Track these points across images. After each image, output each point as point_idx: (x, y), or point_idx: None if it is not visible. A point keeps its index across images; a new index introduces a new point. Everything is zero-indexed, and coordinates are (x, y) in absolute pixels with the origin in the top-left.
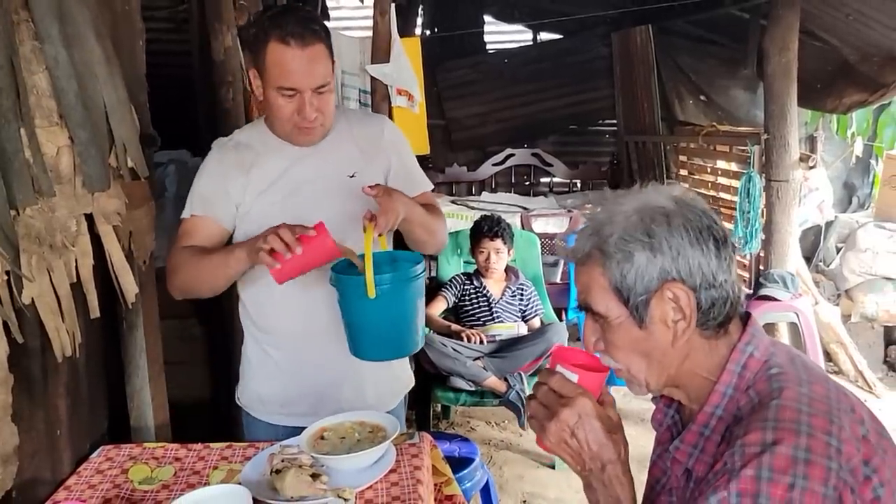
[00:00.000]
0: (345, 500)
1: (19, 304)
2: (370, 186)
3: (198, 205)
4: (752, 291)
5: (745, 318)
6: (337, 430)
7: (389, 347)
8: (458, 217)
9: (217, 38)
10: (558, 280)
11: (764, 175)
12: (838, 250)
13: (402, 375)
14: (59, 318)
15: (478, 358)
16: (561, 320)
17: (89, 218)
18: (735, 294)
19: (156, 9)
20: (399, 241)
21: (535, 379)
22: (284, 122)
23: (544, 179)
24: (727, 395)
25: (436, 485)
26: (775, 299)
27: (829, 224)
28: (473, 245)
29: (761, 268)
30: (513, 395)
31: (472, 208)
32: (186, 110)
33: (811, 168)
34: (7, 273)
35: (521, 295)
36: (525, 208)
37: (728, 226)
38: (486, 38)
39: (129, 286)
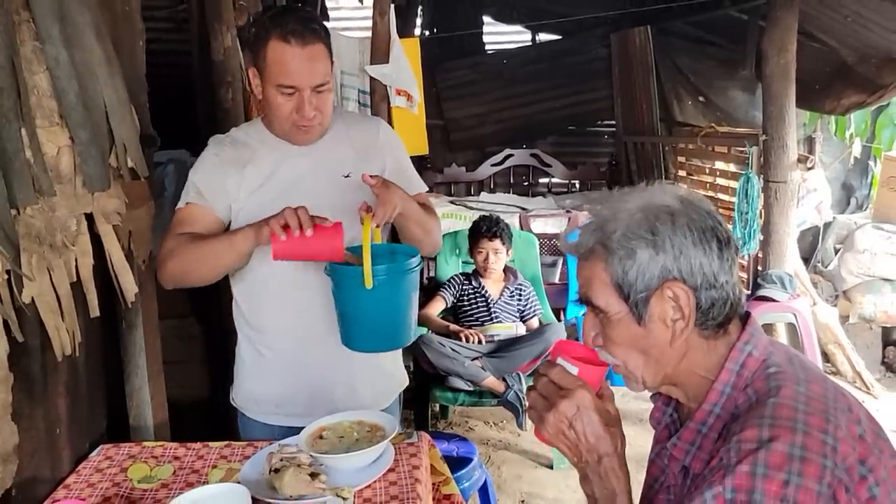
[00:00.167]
0: (343, 499)
1: (19, 302)
2: (371, 176)
3: (194, 194)
4: (750, 292)
5: (745, 318)
6: (335, 429)
7: (382, 339)
8: (457, 217)
9: (217, 39)
10: (557, 280)
11: (762, 176)
12: (836, 251)
13: (395, 374)
14: (59, 317)
15: (476, 358)
16: (559, 320)
17: (89, 217)
18: (735, 296)
19: (155, 9)
20: (395, 240)
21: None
22: (283, 121)
23: (543, 180)
24: (725, 393)
25: (434, 484)
26: (773, 300)
27: (827, 225)
28: (472, 245)
29: (759, 268)
30: (511, 396)
31: (471, 208)
32: (186, 110)
33: (809, 169)
34: (7, 272)
35: (520, 295)
36: (524, 209)
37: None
38: (485, 38)
39: (129, 285)
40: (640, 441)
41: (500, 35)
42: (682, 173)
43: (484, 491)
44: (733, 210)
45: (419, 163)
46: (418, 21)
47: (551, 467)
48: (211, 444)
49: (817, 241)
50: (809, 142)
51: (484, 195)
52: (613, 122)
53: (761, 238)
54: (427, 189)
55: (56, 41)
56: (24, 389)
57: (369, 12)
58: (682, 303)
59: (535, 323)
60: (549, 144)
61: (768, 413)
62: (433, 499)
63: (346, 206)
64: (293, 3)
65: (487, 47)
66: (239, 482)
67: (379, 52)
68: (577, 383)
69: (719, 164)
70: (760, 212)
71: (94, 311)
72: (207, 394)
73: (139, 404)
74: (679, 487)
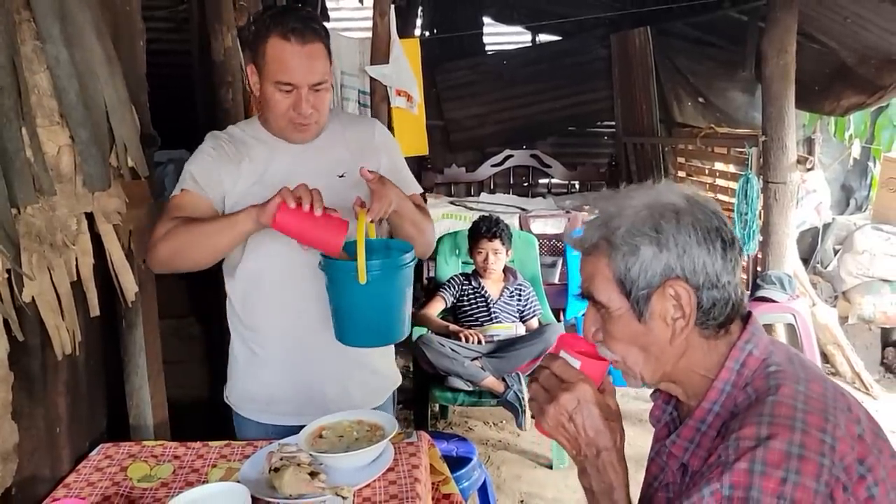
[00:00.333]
0: (343, 498)
1: (20, 302)
2: (369, 171)
3: (191, 182)
4: (749, 293)
5: (746, 318)
6: (335, 428)
7: (376, 334)
8: (457, 218)
9: (217, 39)
10: (556, 281)
11: (762, 177)
12: (836, 252)
13: (387, 373)
14: (59, 317)
15: (476, 358)
16: (559, 321)
17: (90, 217)
18: (738, 297)
19: (156, 9)
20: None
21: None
22: (280, 118)
23: (543, 180)
24: (725, 391)
25: (433, 484)
26: (772, 301)
27: (826, 226)
28: (472, 245)
29: (759, 269)
30: (511, 396)
31: (471, 209)
32: (186, 110)
33: (809, 170)
34: (8, 271)
35: (520, 295)
36: (523, 209)
37: None
38: (485, 39)
39: (129, 285)
40: (639, 441)
41: (500, 36)
42: (681, 174)
43: (483, 491)
44: (733, 211)
45: (419, 163)
46: (418, 21)
47: (550, 467)
48: (211, 443)
49: (816, 242)
50: (809, 143)
51: (484, 196)
52: (613, 123)
53: (761, 239)
54: (421, 191)
55: (57, 40)
56: (24, 388)
57: (369, 13)
58: (683, 302)
59: (534, 323)
60: (548, 145)
61: (767, 411)
62: (432, 498)
63: (340, 206)
64: (294, 3)
65: (487, 48)
66: (238, 481)
67: (379, 52)
68: (579, 377)
69: (719, 165)
70: (760, 213)
71: (95, 311)
72: (207, 394)
73: (139, 404)
74: (678, 485)
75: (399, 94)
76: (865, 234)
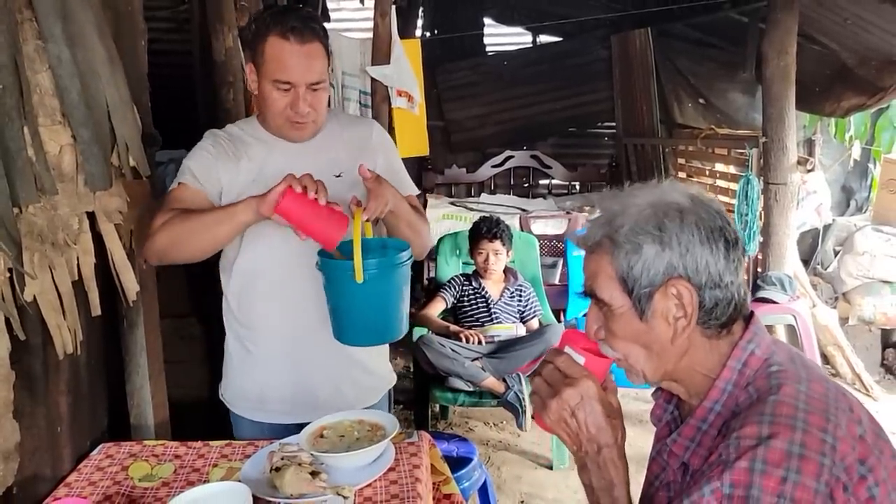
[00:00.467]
0: (344, 497)
1: (21, 300)
2: (368, 170)
3: (189, 176)
4: (749, 294)
5: (748, 317)
6: (336, 428)
7: (374, 333)
8: (457, 218)
9: (218, 39)
10: (557, 281)
11: (762, 178)
12: (836, 253)
13: (382, 373)
14: (61, 316)
15: (476, 358)
16: (559, 321)
17: (91, 216)
18: (740, 297)
19: (157, 9)
20: None
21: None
22: (277, 116)
23: (543, 181)
24: (727, 391)
25: (434, 484)
26: (773, 302)
27: (826, 227)
28: (472, 246)
29: (759, 270)
30: (511, 396)
31: (471, 210)
32: (187, 111)
33: (809, 171)
34: (9, 270)
35: (520, 296)
36: (524, 210)
37: None
38: (486, 40)
39: (131, 284)
40: (639, 442)
41: (501, 36)
42: (682, 175)
43: (484, 491)
44: (733, 212)
45: (420, 164)
46: (419, 22)
47: (551, 468)
48: (212, 442)
49: (817, 243)
50: (809, 144)
51: (484, 196)
52: (614, 124)
53: (761, 240)
54: (418, 192)
55: (59, 40)
56: (25, 387)
57: (370, 13)
58: (685, 301)
59: (535, 324)
60: (549, 146)
61: (769, 410)
62: (433, 498)
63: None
64: (295, 3)
65: (488, 49)
66: (240, 481)
67: (380, 52)
68: (583, 373)
69: (719, 166)
70: (760, 214)
71: (96, 310)
72: (207, 393)
73: (140, 403)
74: (678, 484)
75: (400, 95)
76: (866, 236)
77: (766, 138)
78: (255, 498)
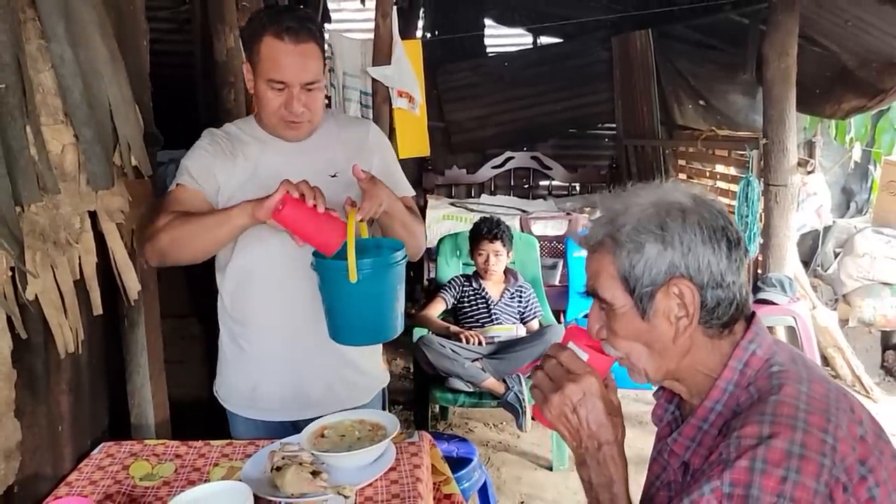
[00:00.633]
0: (345, 497)
1: (23, 299)
2: (362, 170)
3: (187, 177)
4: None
5: (750, 318)
6: (337, 427)
7: (369, 332)
8: (458, 219)
9: (219, 40)
10: (557, 282)
11: (762, 180)
12: (836, 255)
13: (374, 373)
14: (63, 315)
15: (476, 359)
16: (559, 322)
17: (93, 215)
18: (742, 297)
19: (158, 9)
20: None
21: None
22: (271, 115)
23: (543, 182)
24: (728, 391)
25: (435, 484)
26: (773, 303)
27: (827, 229)
28: (472, 247)
29: (759, 272)
30: (511, 397)
31: (472, 210)
32: (188, 111)
33: (809, 173)
34: (12, 269)
35: (520, 297)
36: (524, 211)
37: None
38: (487, 41)
39: (132, 283)
40: (639, 443)
41: (502, 38)
42: (682, 177)
43: (483, 492)
44: (733, 213)
45: (420, 164)
46: (420, 23)
47: (551, 469)
48: (212, 442)
49: (817, 244)
50: (809, 146)
51: (484, 197)
52: (614, 125)
53: (761, 241)
54: (413, 193)
55: (61, 39)
56: (26, 386)
57: (371, 14)
58: (686, 300)
59: (535, 325)
60: (549, 147)
61: (769, 410)
62: (433, 498)
63: (332, 206)
64: (295, 3)
65: (489, 50)
66: (241, 480)
67: (381, 53)
68: (586, 369)
69: (719, 168)
70: (760, 215)
71: (97, 309)
72: (207, 393)
73: (140, 403)
74: (679, 484)
75: (401, 95)
76: (866, 238)
77: (766, 140)
78: (255, 497)
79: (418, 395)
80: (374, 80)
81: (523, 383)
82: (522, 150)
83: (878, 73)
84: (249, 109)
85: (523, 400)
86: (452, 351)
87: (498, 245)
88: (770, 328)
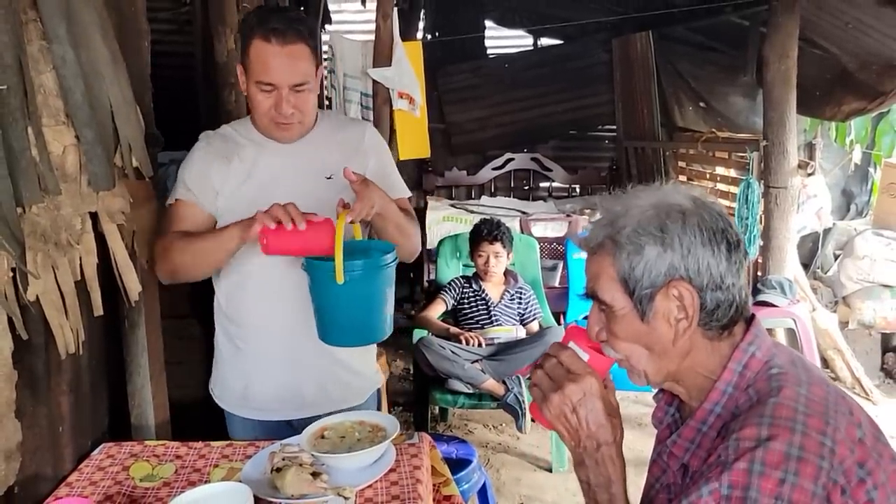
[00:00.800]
0: (345, 498)
1: (24, 300)
2: (354, 173)
3: (182, 190)
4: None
5: (749, 320)
6: (337, 429)
7: (357, 333)
8: (458, 221)
9: (220, 41)
10: (557, 284)
11: (762, 182)
12: (836, 257)
13: (368, 374)
14: (63, 316)
15: (476, 361)
16: (559, 324)
17: (94, 216)
18: (742, 299)
19: (159, 10)
20: None
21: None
22: (262, 116)
23: (543, 184)
24: (727, 393)
25: (434, 485)
26: (773, 305)
27: (827, 231)
28: (472, 248)
29: (759, 274)
30: (511, 398)
31: (472, 212)
32: (188, 112)
33: (810, 175)
34: (13, 270)
35: (520, 298)
36: (524, 213)
37: None
38: (487, 42)
39: (133, 284)
40: (638, 445)
41: (502, 39)
42: (682, 178)
43: (483, 493)
44: (734, 215)
45: (420, 166)
46: (420, 24)
47: (550, 470)
48: (213, 443)
49: (817, 246)
50: (810, 148)
51: (485, 199)
52: (614, 127)
53: (761, 243)
54: (409, 195)
55: (63, 40)
56: (27, 387)
57: (372, 15)
58: (686, 303)
59: (535, 326)
60: (549, 149)
61: (768, 412)
62: (433, 499)
63: (326, 207)
64: (295, 4)
65: (489, 51)
66: (241, 481)
67: (381, 55)
68: (586, 370)
69: (720, 170)
70: (760, 217)
71: (98, 310)
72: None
73: (141, 403)
74: (678, 486)
75: (401, 97)
76: (866, 240)
77: (766, 142)
78: (256, 498)
79: (418, 397)
80: (374, 81)
81: (523, 385)
82: (523, 151)
83: (878, 76)
84: (249, 110)
85: (523, 401)
86: (452, 352)
87: (498, 246)
88: (770, 330)
